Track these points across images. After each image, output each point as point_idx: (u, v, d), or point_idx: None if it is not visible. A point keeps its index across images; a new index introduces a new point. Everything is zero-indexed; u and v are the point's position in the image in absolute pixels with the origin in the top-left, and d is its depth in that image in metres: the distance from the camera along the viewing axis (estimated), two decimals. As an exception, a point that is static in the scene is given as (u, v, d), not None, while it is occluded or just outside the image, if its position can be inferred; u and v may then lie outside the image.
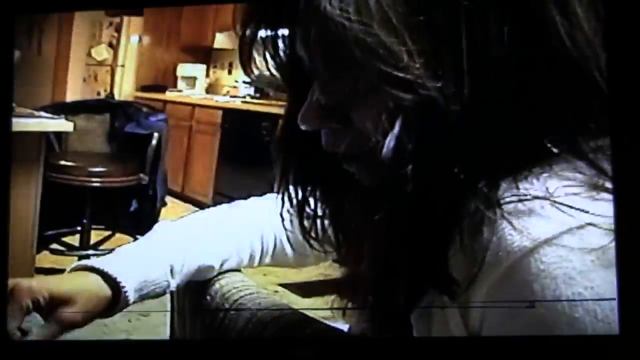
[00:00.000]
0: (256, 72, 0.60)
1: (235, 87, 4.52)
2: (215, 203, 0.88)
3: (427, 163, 0.51)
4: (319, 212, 0.66)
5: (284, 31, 0.58)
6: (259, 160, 3.51)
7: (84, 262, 0.74)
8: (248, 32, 0.58)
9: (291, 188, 0.66)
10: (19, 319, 0.67)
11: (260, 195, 0.89)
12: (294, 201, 0.66)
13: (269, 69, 0.60)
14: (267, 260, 0.86)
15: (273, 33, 0.58)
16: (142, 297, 0.75)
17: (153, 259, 0.76)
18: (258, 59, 0.60)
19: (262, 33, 0.58)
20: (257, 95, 4.13)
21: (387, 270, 0.56)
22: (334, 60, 0.53)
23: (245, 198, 0.90)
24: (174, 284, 0.77)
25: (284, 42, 0.59)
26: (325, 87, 0.56)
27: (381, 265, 0.56)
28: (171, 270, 0.76)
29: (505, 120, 0.50)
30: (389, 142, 0.51)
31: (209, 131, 3.91)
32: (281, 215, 0.68)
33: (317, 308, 0.66)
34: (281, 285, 2.51)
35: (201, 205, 3.42)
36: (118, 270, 0.72)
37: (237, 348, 0.74)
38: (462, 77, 0.49)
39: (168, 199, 2.90)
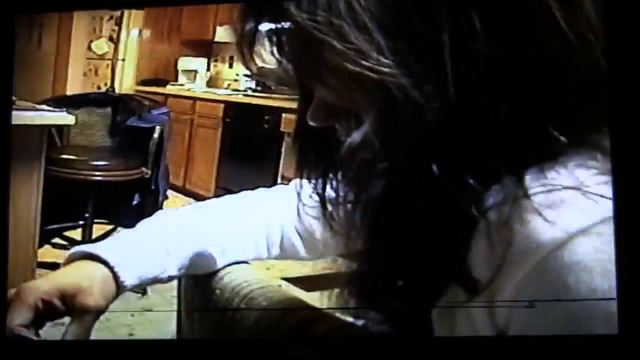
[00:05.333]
0: (258, 64, 0.59)
1: (236, 80, 4.51)
2: (217, 197, 0.86)
3: (402, 160, 0.50)
4: (341, 195, 0.63)
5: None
6: (261, 153, 3.51)
7: (81, 247, 0.72)
8: (247, 26, 0.56)
9: (311, 174, 0.65)
10: (24, 317, 0.65)
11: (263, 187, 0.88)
12: (315, 185, 0.65)
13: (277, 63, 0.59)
14: (275, 252, 0.85)
15: (276, 29, 0.57)
16: (142, 281, 0.73)
17: (150, 241, 0.75)
18: (264, 52, 0.59)
19: (266, 27, 0.57)
20: (259, 88, 4.12)
21: (402, 265, 0.54)
22: (310, 63, 0.53)
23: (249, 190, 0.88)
24: (172, 268, 0.75)
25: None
26: (319, 87, 0.55)
27: (396, 260, 0.54)
28: (167, 252, 0.75)
29: (502, 114, 0.49)
30: (353, 138, 0.51)
31: (211, 125, 3.91)
32: (299, 197, 0.68)
33: (335, 308, 0.64)
34: (284, 279, 2.50)
35: (203, 199, 3.41)
36: (113, 254, 0.71)
37: (238, 347, 0.73)
38: (445, 75, 0.48)
39: (170, 192, 2.88)
